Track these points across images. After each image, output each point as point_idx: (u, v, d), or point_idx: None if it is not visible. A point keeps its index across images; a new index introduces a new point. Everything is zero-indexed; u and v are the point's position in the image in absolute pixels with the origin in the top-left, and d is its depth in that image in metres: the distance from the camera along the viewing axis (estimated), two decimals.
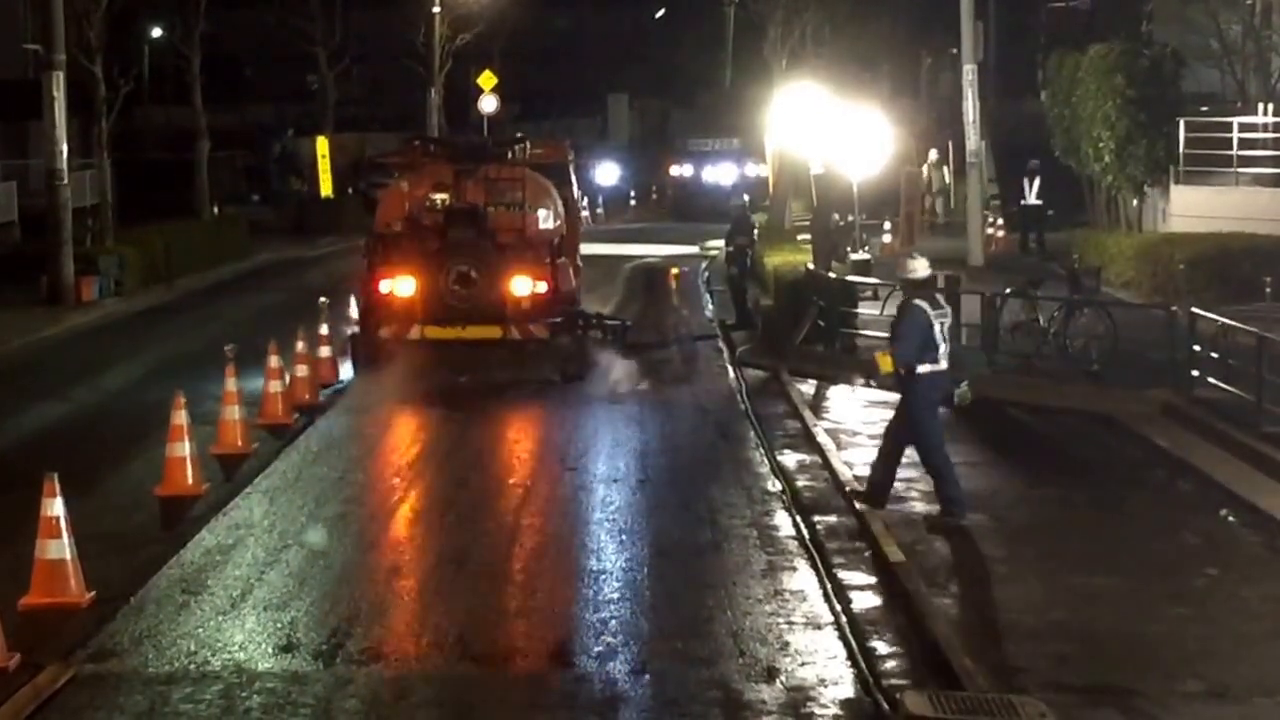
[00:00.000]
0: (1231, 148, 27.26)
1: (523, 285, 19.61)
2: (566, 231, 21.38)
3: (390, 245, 20.00)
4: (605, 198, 51.21)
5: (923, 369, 12.40)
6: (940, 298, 12.78)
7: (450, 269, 19.36)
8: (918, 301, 12.46)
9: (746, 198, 28.28)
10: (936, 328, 12.34)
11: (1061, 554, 11.71)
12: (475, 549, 12.28)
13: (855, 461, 14.69)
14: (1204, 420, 15.48)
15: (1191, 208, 27.32)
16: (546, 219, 20.74)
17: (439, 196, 20.26)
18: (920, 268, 12.64)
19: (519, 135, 24.03)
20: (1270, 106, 28.00)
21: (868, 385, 13.54)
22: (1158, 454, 15.11)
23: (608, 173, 55.98)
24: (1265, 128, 27.72)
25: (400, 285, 19.44)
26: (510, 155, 21.14)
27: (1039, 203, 31.89)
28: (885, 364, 12.68)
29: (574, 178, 23.23)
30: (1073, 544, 12.03)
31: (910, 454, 14.97)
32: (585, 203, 38.72)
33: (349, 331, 20.60)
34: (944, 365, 12.45)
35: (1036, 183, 31.63)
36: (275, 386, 16.93)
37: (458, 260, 19.46)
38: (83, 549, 10.75)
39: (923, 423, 12.63)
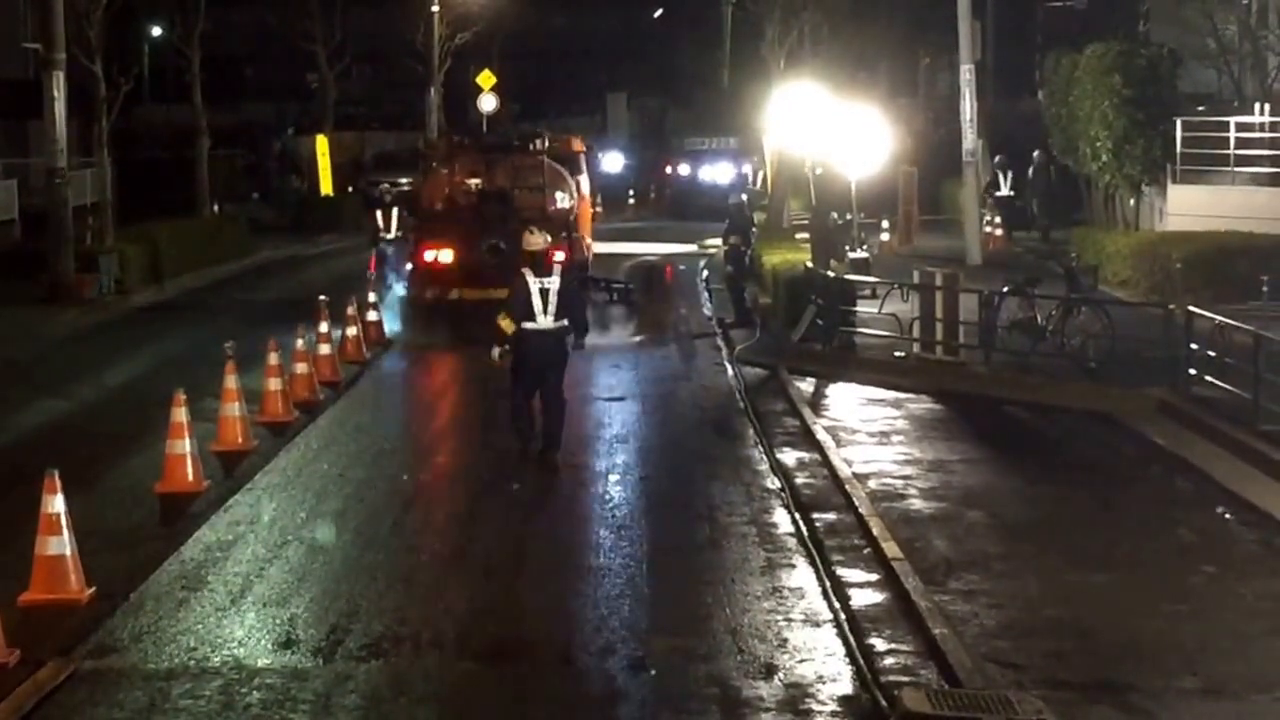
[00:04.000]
0: (1228, 147, 27.29)
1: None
2: (579, 211, 25.65)
3: (433, 221, 24.06)
4: (605, 194, 51.17)
5: (523, 326, 14.61)
6: (556, 268, 14.78)
7: (483, 241, 22.94)
8: (524, 270, 14.71)
9: (745, 196, 28.33)
10: (535, 293, 14.51)
11: (1059, 551, 11.74)
12: (474, 545, 12.33)
13: (854, 459, 14.73)
14: (1201, 418, 15.52)
15: (1188, 207, 27.34)
16: (562, 200, 24.93)
17: (473, 181, 24.63)
18: (535, 243, 14.87)
19: (538, 131, 27.85)
20: (1267, 106, 28.03)
21: (504, 354, 14.93)
22: (1155, 451, 15.15)
23: (612, 161, 56.13)
24: (1262, 127, 27.75)
25: (442, 254, 23.11)
26: (532, 147, 25.07)
27: (1011, 194, 33.65)
28: (507, 326, 14.72)
29: (585, 167, 27.64)
30: (1070, 541, 12.06)
31: (909, 452, 15.09)
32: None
33: (399, 293, 24.46)
34: (544, 325, 14.58)
35: (1010, 176, 33.46)
36: (275, 384, 16.96)
37: (489, 234, 22.98)
38: (83, 545, 10.79)
39: (512, 370, 14.88)
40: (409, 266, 24.21)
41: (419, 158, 43.28)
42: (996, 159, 33.91)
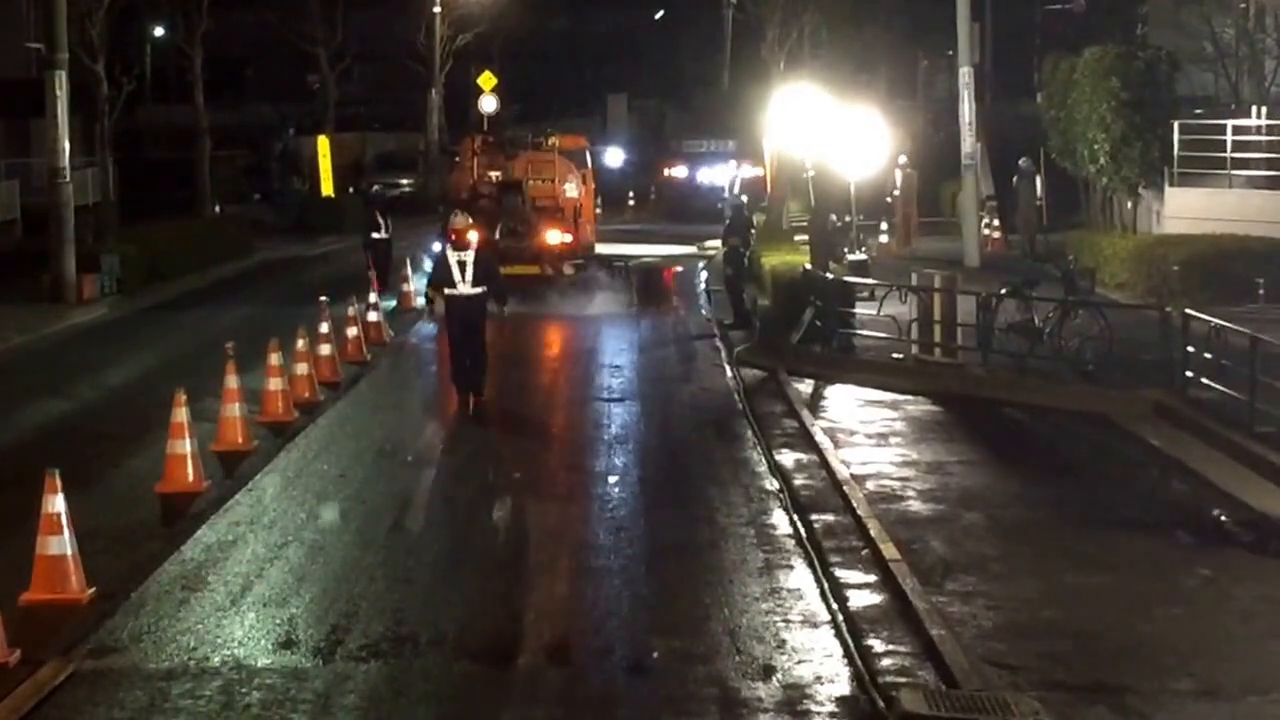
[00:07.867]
0: (1225, 150, 27.35)
1: (554, 237, 27.66)
2: (585, 199, 29.66)
3: (459, 208, 26.43)
4: (604, 195, 51.15)
5: (446, 292, 17.69)
6: (472, 245, 17.73)
7: (503, 225, 26.82)
8: (446, 245, 17.94)
9: (744, 198, 28.47)
10: (454, 265, 17.62)
11: (1055, 552, 11.78)
12: (474, 545, 12.37)
13: (853, 460, 14.77)
14: (1197, 420, 15.56)
15: (1185, 209, 27.41)
16: (571, 190, 28.87)
17: (494, 174, 28.75)
18: (457, 224, 17.85)
19: (548, 130, 31.60)
20: (1263, 109, 28.09)
21: (432, 314, 18.95)
22: (1151, 453, 15.20)
23: (614, 156, 56.39)
24: (1258, 130, 27.82)
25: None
26: (545, 145, 29.32)
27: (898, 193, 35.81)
28: (433, 295, 18.00)
29: (589, 161, 31.52)
30: (1066, 542, 12.10)
31: (907, 454, 15.15)
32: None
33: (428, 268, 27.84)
34: (464, 290, 17.62)
35: (898, 175, 35.00)
36: (276, 384, 17.00)
37: (508, 219, 27.15)
38: (83, 545, 10.83)
39: (444, 329, 18.46)
40: (435, 246, 26.99)
41: (446, 153, 46.52)
42: (899, 160, 35.20)
